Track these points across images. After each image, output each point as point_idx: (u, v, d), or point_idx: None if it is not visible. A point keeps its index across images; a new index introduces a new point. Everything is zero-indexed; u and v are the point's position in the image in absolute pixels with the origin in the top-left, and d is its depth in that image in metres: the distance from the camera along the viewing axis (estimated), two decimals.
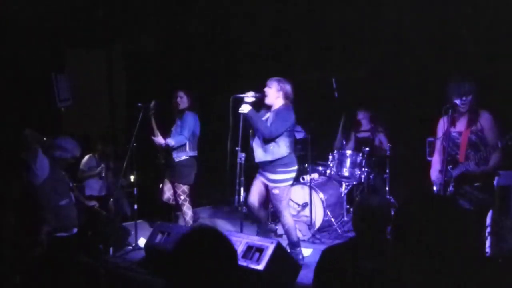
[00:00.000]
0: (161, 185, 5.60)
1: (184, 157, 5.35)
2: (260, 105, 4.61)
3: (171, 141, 5.24)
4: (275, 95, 4.57)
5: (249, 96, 4.46)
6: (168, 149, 5.32)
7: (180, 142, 5.26)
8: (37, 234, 4.07)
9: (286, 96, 4.58)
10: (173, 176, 5.42)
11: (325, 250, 2.36)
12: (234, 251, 1.64)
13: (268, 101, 4.59)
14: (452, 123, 3.93)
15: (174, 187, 5.42)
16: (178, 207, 5.49)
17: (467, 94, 3.77)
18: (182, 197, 5.36)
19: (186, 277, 1.53)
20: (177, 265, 1.57)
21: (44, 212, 4.02)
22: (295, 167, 4.67)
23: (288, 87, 4.58)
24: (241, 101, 4.47)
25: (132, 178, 5.73)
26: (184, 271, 1.54)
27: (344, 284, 2.10)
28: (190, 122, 5.30)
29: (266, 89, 4.57)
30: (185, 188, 5.36)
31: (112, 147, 6.31)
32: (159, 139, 5.28)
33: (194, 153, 5.42)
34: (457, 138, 3.92)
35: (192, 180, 5.43)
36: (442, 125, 3.96)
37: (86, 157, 5.99)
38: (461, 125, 3.92)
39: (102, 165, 5.97)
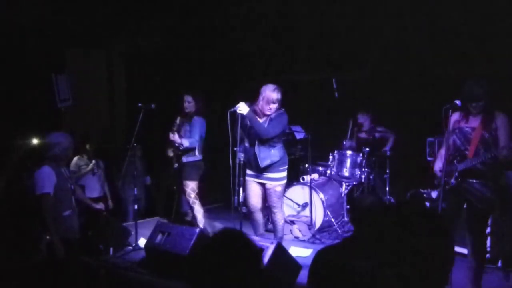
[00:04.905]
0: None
1: (192, 160, 5.50)
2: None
3: (185, 142, 5.38)
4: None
5: (241, 108, 4.55)
6: (179, 153, 5.47)
7: (192, 144, 5.42)
8: (38, 242, 4.06)
9: (280, 103, 4.69)
10: (182, 176, 5.55)
11: (319, 251, 2.35)
12: (259, 254, 1.63)
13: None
14: (465, 118, 3.89)
15: (183, 186, 5.53)
16: (190, 207, 5.60)
17: (478, 100, 3.72)
18: (192, 196, 5.49)
19: (209, 281, 1.52)
20: (200, 268, 1.55)
21: (47, 222, 4.01)
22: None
23: (280, 95, 4.66)
24: (235, 114, 4.58)
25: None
26: (207, 275, 1.53)
27: (338, 284, 2.09)
28: (199, 127, 5.45)
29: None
30: (193, 185, 5.49)
31: (95, 145, 6.29)
32: (176, 138, 5.38)
33: (201, 156, 5.58)
34: (469, 133, 3.84)
35: (198, 178, 5.56)
36: (453, 119, 3.91)
37: (74, 159, 5.96)
38: (475, 121, 3.84)
39: (94, 161, 6.00)
